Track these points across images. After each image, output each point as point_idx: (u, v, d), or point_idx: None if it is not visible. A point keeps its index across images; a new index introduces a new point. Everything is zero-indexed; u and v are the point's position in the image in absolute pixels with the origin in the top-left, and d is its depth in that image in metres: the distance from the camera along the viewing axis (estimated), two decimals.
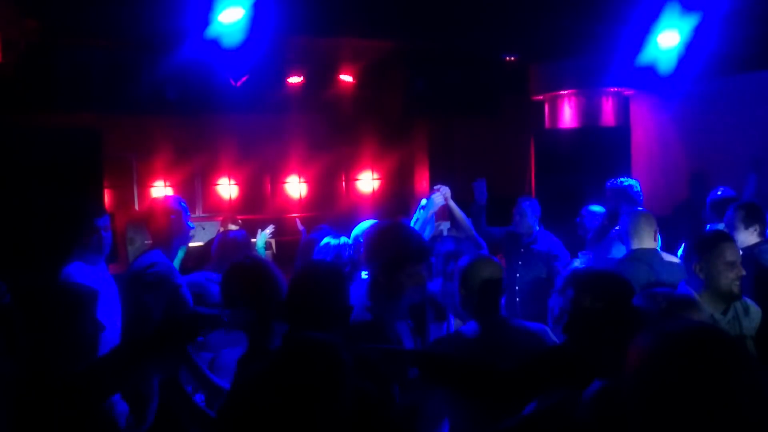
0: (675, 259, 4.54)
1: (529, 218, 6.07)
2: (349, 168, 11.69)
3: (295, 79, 8.64)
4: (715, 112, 7.98)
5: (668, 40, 7.24)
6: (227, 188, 10.98)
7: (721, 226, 5.17)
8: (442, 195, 5.07)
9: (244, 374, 2.56)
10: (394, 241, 3.04)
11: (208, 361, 3.80)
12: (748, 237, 4.67)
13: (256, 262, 3.09)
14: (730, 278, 3.33)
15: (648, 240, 4.49)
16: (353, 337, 2.65)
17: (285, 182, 11.44)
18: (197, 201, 10.59)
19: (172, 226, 4.34)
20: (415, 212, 5.15)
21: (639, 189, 5.76)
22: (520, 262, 5.98)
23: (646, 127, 8.84)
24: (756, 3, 6.50)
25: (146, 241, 5.86)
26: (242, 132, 10.69)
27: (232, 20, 6.06)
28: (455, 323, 3.91)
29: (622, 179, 5.88)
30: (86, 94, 7.50)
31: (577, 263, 4.93)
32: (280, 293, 2.84)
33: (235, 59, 7.54)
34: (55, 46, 7.27)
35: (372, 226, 3.32)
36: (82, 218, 4.37)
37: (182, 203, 4.50)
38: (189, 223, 4.48)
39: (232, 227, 9.07)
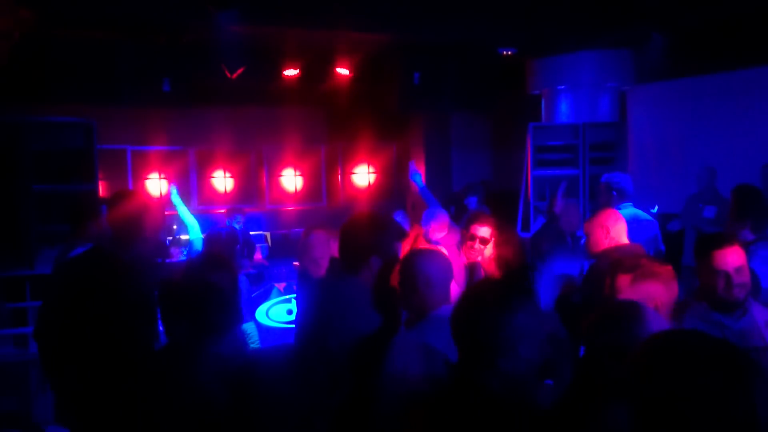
0: None
1: None
2: (345, 161, 11.64)
3: (291, 72, 8.60)
4: (712, 107, 7.97)
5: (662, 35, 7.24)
6: (222, 181, 10.94)
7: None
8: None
9: None
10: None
11: None
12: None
13: None
14: (721, 287, 3.01)
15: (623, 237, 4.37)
16: None
17: (281, 175, 11.40)
18: (192, 193, 10.55)
19: None
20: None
21: (629, 184, 5.75)
22: None
23: (644, 123, 8.83)
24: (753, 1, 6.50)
25: None
26: (238, 124, 10.64)
27: None
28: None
29: (615, 174, 5.89)
30: (80, 85, 7.47)
31: None
32: None
33: (231, 51, 7.51)
34: (50, 36, 7.22)
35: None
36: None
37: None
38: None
39: (239, 218, 9.12)
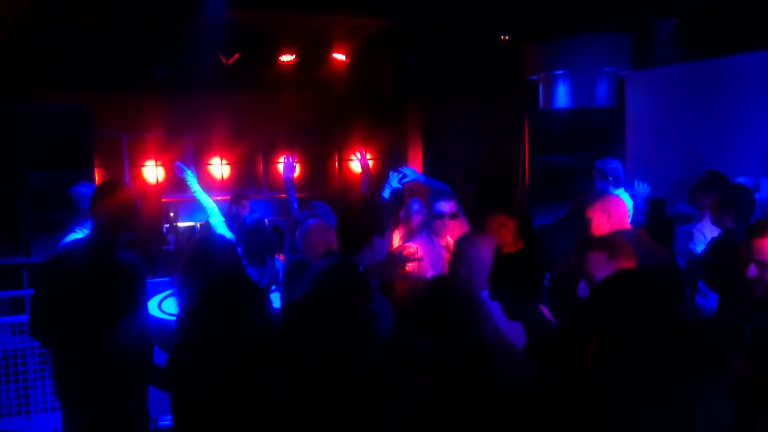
0: None
1: None
2: (341, 148, 11.63)
3: (287, 57, 8.55)
4: (710, 92, 7.95)
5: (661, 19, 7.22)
6: (219, 167, 10.92)
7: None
8: None
9: None
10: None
11: None
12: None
13: None
14: (742, 275, 2.85)
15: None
16: None
17: (277, 161, 11.38)
18: None
19: None
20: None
21: (621, 170, 5.85)
22: None
23: (641, 107, 8.81)
24: None
25: None
26: (234, 111, 10.61)
27: None
28: None
29: (607, 159, 5.95)
30: (76, 72, 7.44)
31: None
32: None
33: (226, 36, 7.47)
34: (44, 22, 7.18)
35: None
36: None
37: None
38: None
39: (244, 203, 9.05)
